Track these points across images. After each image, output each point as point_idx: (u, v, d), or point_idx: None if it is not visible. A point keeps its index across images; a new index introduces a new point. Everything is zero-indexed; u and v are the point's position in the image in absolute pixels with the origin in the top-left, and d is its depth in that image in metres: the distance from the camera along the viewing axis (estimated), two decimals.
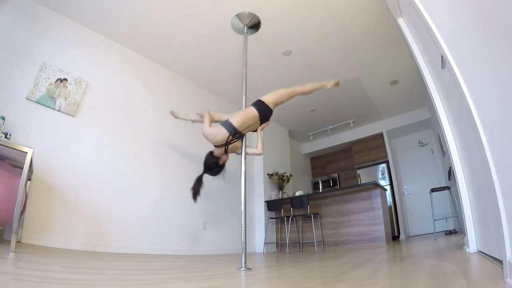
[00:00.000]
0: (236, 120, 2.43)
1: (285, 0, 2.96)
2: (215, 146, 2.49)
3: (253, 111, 2.49)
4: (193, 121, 3.05)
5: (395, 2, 2.27)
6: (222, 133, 2.40)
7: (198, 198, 2.67)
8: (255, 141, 2.76)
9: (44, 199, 2.47)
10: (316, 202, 4.60)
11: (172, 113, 3.13)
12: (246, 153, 2.50)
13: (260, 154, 2.65)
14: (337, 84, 2.72)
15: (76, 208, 2.66)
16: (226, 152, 2.51)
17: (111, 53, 3.41)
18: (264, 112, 2.52)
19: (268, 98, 2.56)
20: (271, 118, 2.65)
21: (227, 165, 2.65)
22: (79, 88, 2.95)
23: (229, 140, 2.43)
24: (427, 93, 2.75)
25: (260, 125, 2.60)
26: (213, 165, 2.56)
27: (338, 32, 3.45)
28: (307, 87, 2.70)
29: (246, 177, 2.46)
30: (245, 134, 2.52)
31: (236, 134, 2.43)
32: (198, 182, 2.67)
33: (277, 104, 2.60)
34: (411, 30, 2.25)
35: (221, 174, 2.65)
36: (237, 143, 2.50)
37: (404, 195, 6.09)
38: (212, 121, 2.66)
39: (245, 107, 2.76)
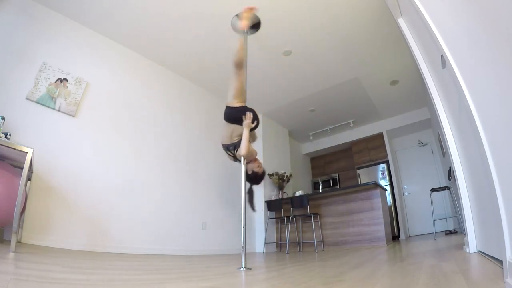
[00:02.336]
0: (221, 137, 2.57)
1: (285, 0, 2.96)
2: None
3: (223, 121, 2.55)
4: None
5: (395, 2, 2.27)
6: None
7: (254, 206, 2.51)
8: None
9: (44, 199, 2.47)
10: (316, 202, 4.60)
11: None
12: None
13: (241, 155, 2.40)
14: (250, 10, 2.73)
15: (76, 208, 2.66)
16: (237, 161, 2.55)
17: (111, 53, 3.41)
18: (228, 115, 2.48)
19: (229, 96, 2.54)
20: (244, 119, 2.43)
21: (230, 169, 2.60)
22: (79, 88, 2.95)
23: (231, 154, 2.53)
24: (427, 93, 2.75)
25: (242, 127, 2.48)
26: (260, 175, 2.56)
27: (338, 32, 3.45)
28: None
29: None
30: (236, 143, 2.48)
31: (228, 149, 2.51)
32: (250, 195, 2.51)
33: (237, 89, 2.51)
34: (411, 30, 2.25)
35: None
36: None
37: (404, 195, 6.09)
38: None
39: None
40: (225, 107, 2.54)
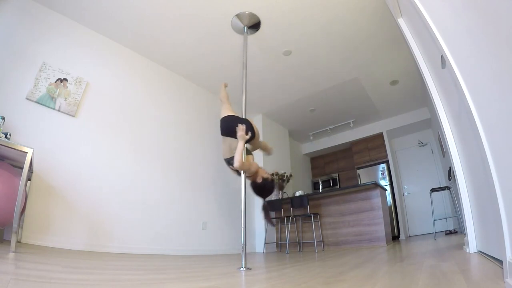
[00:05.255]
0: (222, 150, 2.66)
1: (285, 0, 2.96)
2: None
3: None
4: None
5: (395, 2, 2.27)
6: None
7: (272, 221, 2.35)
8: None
9: (44, 199, 2.47)
10: (316, 202, 4.60)
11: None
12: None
13: (236, 168, 2.36)
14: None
15: (76, 208, 2.66)
16: (239, 174, 2.45)
17: (111, 53, 3.41)
18: (221, 128, 2.61)
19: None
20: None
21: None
22: (79, 88, 2.95)
23: (232, 168, 2.53)
24: (427, 93, 2.75)
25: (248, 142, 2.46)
26: (269, 184, 2.43)
27: (338, 32, 3.45)
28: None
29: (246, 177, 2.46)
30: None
31: (229, 163, 2.55)
32: (266, 211, 2.46)
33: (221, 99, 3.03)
34: (411, 30, 2.25)
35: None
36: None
37: (404, 195, 6.09)
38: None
39: (245, 107, 2.76)
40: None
